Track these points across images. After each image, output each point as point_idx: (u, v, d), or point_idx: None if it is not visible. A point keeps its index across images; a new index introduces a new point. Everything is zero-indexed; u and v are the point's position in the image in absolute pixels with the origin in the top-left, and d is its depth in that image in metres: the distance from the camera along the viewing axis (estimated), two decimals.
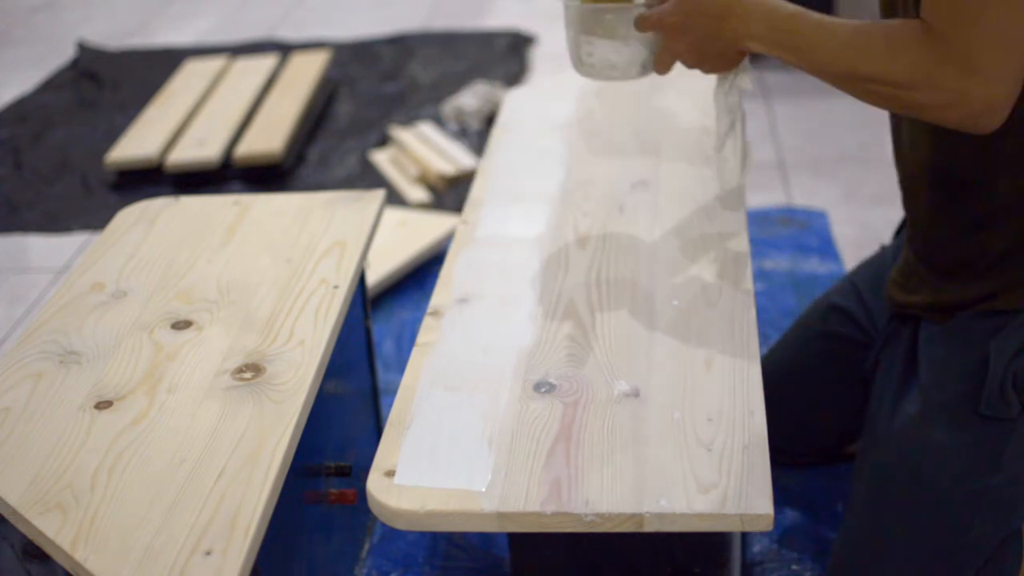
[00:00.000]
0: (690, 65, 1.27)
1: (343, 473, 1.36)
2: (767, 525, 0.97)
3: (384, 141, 2.96)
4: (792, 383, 1.57)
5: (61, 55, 3.75)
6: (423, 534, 1.60)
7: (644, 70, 1.33)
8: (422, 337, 1.24)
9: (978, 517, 1.26)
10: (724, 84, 1.33)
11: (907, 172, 1.33)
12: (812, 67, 1.17)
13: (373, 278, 2.18)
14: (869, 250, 1.60)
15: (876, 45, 1.10)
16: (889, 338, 1.43)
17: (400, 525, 1.01)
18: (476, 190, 1.56)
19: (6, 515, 1.04)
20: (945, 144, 1.23)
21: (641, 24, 1.27)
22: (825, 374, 1.56)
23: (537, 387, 1.14)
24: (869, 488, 1.34)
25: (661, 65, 1.30)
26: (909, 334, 1.37)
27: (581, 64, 1.35)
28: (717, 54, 1.25)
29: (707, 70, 1.28)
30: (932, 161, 1.27)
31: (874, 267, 1.54)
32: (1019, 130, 1.16)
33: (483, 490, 1.01)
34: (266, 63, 3.32)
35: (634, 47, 1.31)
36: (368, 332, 1.63)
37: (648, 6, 1.28)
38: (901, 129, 1.32)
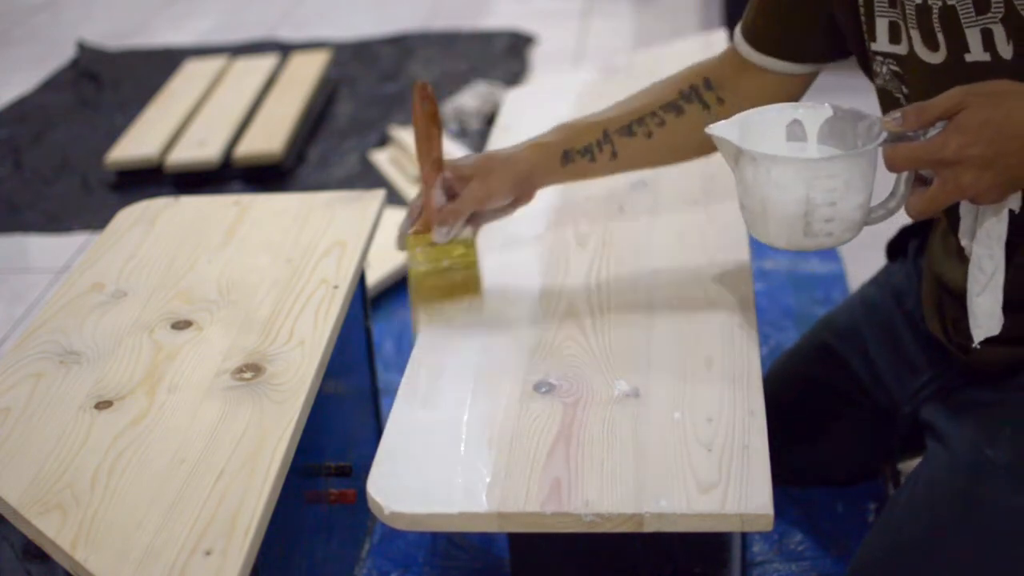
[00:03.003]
0: (987, 202, 0.97)
1: (343, 473, 1.36)
2: (767, 525, 0.97)
3: (384, 141, 2.96)
4: (799, 426, 1.49)
5: (61, 55, 3.75)
6: (423, 534, 1.60)
7: (869, 219, 1.03)
8: (422, 337, 1.24)
9: None
10: (1000, 211, 1.00)
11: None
12: None
13: (373, 278, 2.18)
14: (869, 250, 1.58)
15: None
16: (941, 372, 1.31)
17: (400, 525, 1.01)
18: None
19: (6, 515, 1.04)
20: None
21: (905, 164, 0.96)
22: (833, 424, 1.49)
23: (537, 387, 1.14)
24: (919, 522, 1.18)
25: (935, 207, 0.97)
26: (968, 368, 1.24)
27: (807, 236, 1.00)
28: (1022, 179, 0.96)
29: (997, 201, 0.98)
30: None
31: (882, 311, 1.42)
32: None
33: (483, 490, 1.01)
34: (266, 63, 3.32)
35: (870, 193, 1.00)
36: (368, 332, 1.63)
37: (899, 137, 0.98)
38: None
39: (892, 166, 0.97)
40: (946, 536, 1.15)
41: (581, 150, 1.28)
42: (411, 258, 1.25)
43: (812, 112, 1.06)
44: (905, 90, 1.13)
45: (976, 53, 1.04)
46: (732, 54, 1.30)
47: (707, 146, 1.27)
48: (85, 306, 1.33)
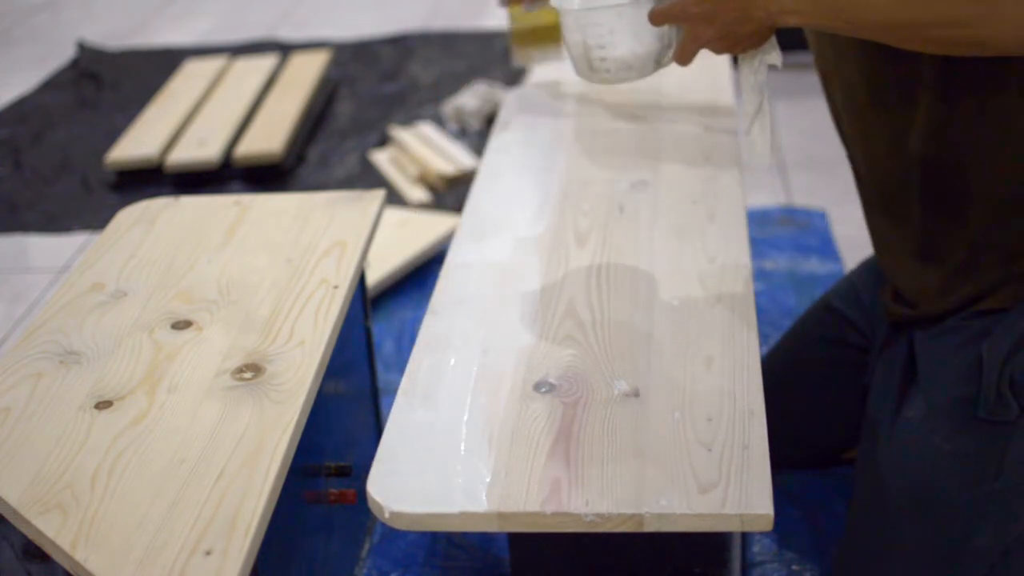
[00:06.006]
0: (719, 51, 1.23)
1: (343, 473, 1.36)
2: (767, 525, 0.97)
3: (384, 141, 2.96)
4: (791, 387, 1.56)
5: (61, 55, 3.76)
6: (423, 534, 1.60)
7: (659, 65, 1.28)
8: (422, 337, 1.24)
9: (980, 524, 1.23)
10: (752, 62, 1.24)
11: (889, 182, 1.31)
12: (859, 26, 1.12)
13: (373, 278, 2.18)
14: (869, 250, 1.59)
15: None
16: (887, 342, 1.42)
17: (400, 525, 1.01)
18: (476, 190, 1.56)
19: (6, 515, 1.04)
20: (936, 135, 1.22)
21: (658, 19, 1.23)
22: (824, 379, 1.56)
23: (537, 387, 1.14)
24: (870, 495, 1.33)
25: (685, 57, 1.25)
26: (907, 339, 1.37)
27: (592, 71, 1.28)
28: (748, 35, 1.20)
29: (738, 52, 1.23)
30: (922, 155, 1.24)
31: (874, 269, 1.53)
32: (996, 112, 1.17)
33: (483, 490, 1.01)
34: (266, 63, 3.32)
35: (648, 43, 1.25)
36: (368, 332, 1.63)
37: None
38: (871, 141, 1.30)
39: (652, 21, 1.23)
40: (894, 524, 1.29)
41: None
42: (510, 19, 1.75)
43: None
44: None
45: None
46: None
47: None
48: (85, 306, 1.33)
